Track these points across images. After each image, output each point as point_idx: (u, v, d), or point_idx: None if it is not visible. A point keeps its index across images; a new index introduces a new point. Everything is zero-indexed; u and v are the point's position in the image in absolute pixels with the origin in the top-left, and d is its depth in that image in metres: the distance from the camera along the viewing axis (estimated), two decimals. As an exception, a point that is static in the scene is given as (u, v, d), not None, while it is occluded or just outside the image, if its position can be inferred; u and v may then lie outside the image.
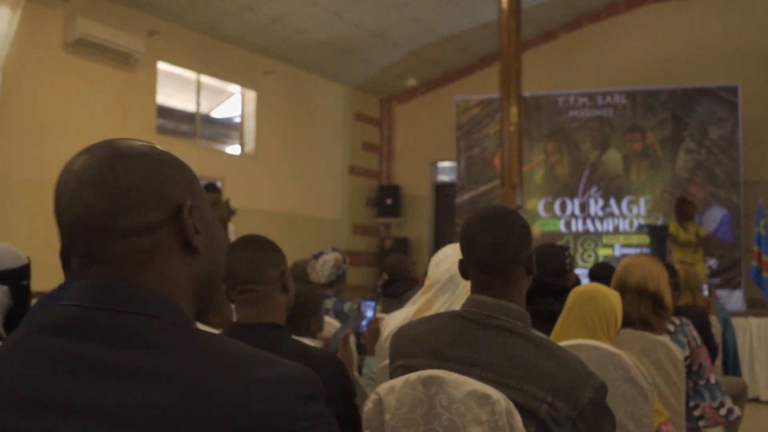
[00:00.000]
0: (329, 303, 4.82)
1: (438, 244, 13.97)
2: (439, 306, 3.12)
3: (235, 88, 12.22)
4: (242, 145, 12.23)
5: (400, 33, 12.39)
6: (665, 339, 3.72)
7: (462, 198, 12.71)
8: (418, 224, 14.54)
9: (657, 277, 3.79)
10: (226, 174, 11.57)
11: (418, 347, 2.26)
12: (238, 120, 12.31)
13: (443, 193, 14.28)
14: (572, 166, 12.24)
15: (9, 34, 8.57)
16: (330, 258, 4.93)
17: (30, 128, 8.99)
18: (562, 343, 2.98)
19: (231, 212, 7.59)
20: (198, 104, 11.55)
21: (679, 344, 3.79)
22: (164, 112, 11.10)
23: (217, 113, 12.45)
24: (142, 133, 10.27)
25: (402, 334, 2.35)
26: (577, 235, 12.13)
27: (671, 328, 3.92)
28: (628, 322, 3.67)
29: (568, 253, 4.32)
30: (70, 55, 9.44)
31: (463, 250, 2.28)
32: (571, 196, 12.19)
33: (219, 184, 10.33)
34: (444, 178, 14.61)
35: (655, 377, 3.61)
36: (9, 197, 8.75)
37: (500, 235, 2.22)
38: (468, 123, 12.79)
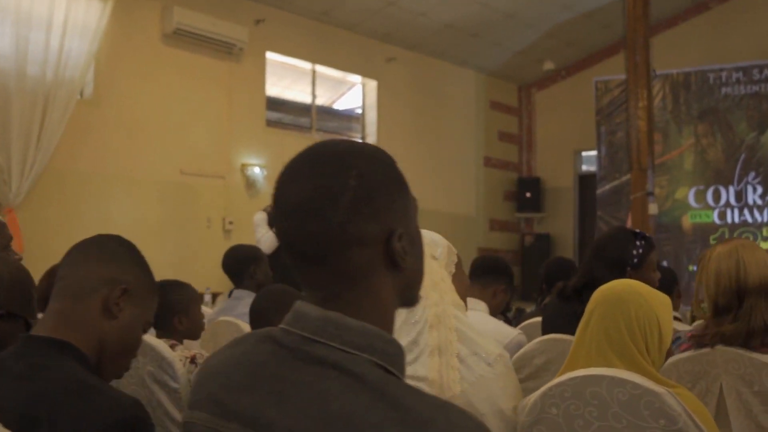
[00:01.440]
0: None
1: (583, 240, 12.90)
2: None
3: (355, 78, 11.63)
4: (363, 137, 11.62)
5: (533, 12, 11.43)
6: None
7: (603, 188, 11.60)
8: (561, 219, 13.50)
9: None
10: (345, 168, 10.97)
11: (203, 392, 1.32)
12: (359, 111, 11.71)
13: (588, 184, 13.15)
14: (726, 150, 10.90)
15: (100, 27, 8.31)
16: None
17: (124, 125, 8.74)
18: (570, 375, 2.12)
19: None
20: (313, 96, 11.03)
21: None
22: (276, 104, 10.64)
23: (338, 105, 11.90)
24: (250, 126, 9.88)
25: (202, 368, 1.39)
26: (733, 227, 10.78)
27: None
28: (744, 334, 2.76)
29: (642, 241, 3.39)
30: (168, 47, 9.14)
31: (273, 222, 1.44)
32: (726, 184, 10.85)
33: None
34: (588, 168, 13.48)
35: (759, 416, 2.65)
36: (104, 195, 8.50)
37: (312, 194, 1.25)
38: (609, 106, 11.66)
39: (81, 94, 8.61)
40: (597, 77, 11.94)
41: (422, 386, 2.15)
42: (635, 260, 3.28)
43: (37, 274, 4.18)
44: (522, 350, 3.28)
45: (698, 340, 2.82)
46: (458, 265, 2.42)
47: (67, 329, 1.76)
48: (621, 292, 2.27)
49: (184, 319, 3.46)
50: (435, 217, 11.58)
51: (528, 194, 13.48)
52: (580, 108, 12.68)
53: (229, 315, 4.35)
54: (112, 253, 1.90)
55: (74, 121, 8.22)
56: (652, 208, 7.84)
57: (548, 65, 12.98)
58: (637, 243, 3.32)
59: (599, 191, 11.63)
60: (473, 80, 13.08)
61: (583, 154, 13.52)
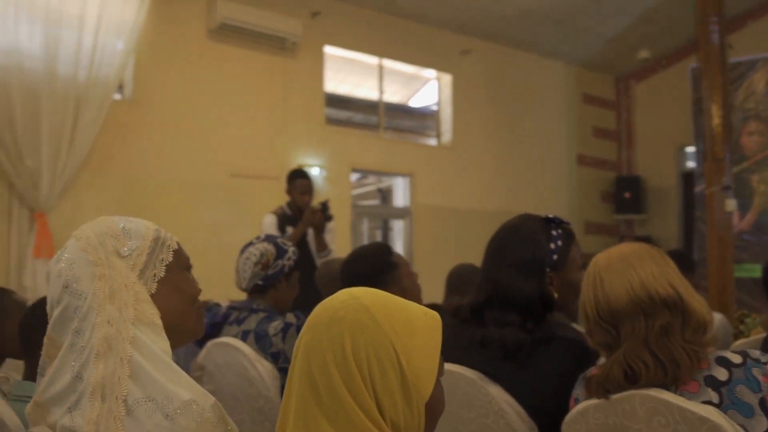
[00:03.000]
0: (252, 321, 3.44)
1: (688, 242, 11.80)
2: None
3: (429, 73, 10.97)
4: (438, 135, 10.95)
5: (620, -6, 10.50)
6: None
7: (702, 186, 10.50)
8: (664, 220, 12.42)
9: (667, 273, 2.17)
10: (416, 168, 10.38)
11: None
12: (434, 108, 11.04)
13: (693, 182, 12.03)
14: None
15: (138, 23, 7.97)
16: (255, 250, 3.53)
17: (167, 125, 8.40)
18: None
19: (328, 218, 6.39)
20: (380, 92, 10.44)
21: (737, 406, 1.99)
22: (338, 101, 10.12)
23: (413, 102, 11.27)
24: (308, 124, 9.39)
25: None
26: None
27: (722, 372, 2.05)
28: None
29: (558, 230, 2.58)
30: (214, 43, 8.76)
31: None
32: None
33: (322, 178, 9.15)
34: (693, 164, 12.34)
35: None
36: (144, 198, 8.16)
37: None
38: (708, 95, 10.55)
39: (121, 94, 8.32)
40: (693, 64, 10.86)
41: None
42: (555, 257, 2.51)
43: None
44: None
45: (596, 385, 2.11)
46: (180, 267, 1.74)
47: None
48: (335, 308, 1.42)
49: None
50: (519, 219, 10.71)
51: (627, 194, 12.46)
52: (682, 100, 11.57)
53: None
54: None
55: (112, 121, 7.92)
56: (730, 204, 6.86)
57: (644, 54, 11.94)
58: (553, 233, 2.55)
59: (697, 189, 10.54)
60: (562, 72, 12.19)
61: (687, 149, 12.38)
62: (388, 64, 10.49)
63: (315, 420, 1.32)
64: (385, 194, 11.02)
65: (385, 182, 10.98)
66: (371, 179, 11.51)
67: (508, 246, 2.51)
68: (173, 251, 1.73)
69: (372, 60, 10.34)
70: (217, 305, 3.59)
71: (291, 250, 3.53)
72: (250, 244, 3.52)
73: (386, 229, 10.72)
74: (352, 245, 9.76)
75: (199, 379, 3.38)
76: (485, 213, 10.65)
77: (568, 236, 2.57)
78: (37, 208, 7.49)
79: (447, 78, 10.89)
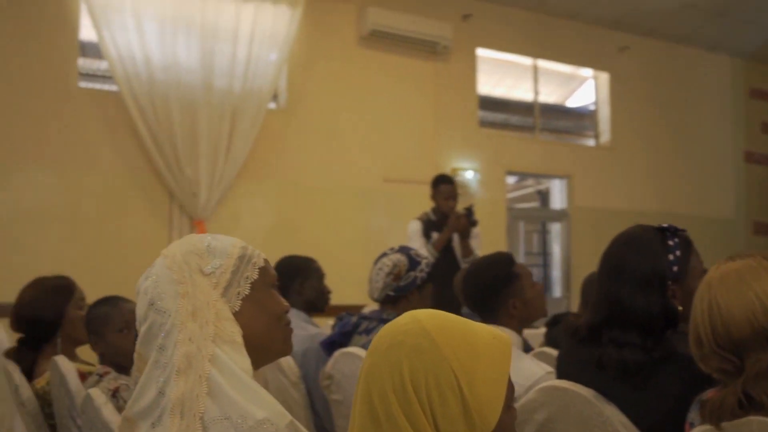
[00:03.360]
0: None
1: None
2: None
3: (586, 72, 10.68)
4: (596, 135, 10.64)
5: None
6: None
7: None
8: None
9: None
10: (573, 170, 10.12)
11: None
12: (592, 108, 10.73)
13: None
14: None
15: (290, 34, 8.12)
16: (388, 261, 3.47)
17: (320, 132, 8.52)
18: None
19: (472, 223, 6.26)
20: (536, 93, 10.23)
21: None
22: (491, 103, 9.98)
23: (570, 102, 11.00)
24: (460, 127, 9.35)
25: None
26: None
27: None
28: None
29: (675, 238, 2.37)
30: (365, 50, 8.82)
31: None
32: None
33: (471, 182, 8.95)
34: None
35: None
36: (298, 205, 8.29)
37: None
38: None
39: (276, 103, 8.48)
40: None
41: None
42: (675, 268, 2.31)
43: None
44: (521, 402, 2.43)
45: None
46: (266, 285, 1.71)
47: None
48: (396, 332, 1.37)
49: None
50: (684, 221, 10.20)
51: (801, 192, 11.72)
52: None
53: None
54: None
55: (267, 130, 8.10)
56: None
57: (817, 44, 11.22)
58: (669, 243, 2.34)
59: None
60: (726, 66, 11.60)
61: None
62: (543, 64, 10.28)
63: None
64: (545, 197, 10.79)
65: (545, 184, 10.74)
66: (530, 181, 11.30)
67: (625, 260, 2.33)
68: (259, 269, 1.69)
69: (526, 61, 10.15)
70: (349, 315, 3.54)
71: (424, 262, 3.47)
72: (384, 254, 3.48)
73: (544, 233, 10.49)
74: (507, 249, 9.60)
75: (327, 388, 3.38)
76: (646, 215, 10.24)
77: (686, 244, 2.36)
78: (196, 216, 7.73)
79: (604, 76, 10.57)
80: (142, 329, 1.60)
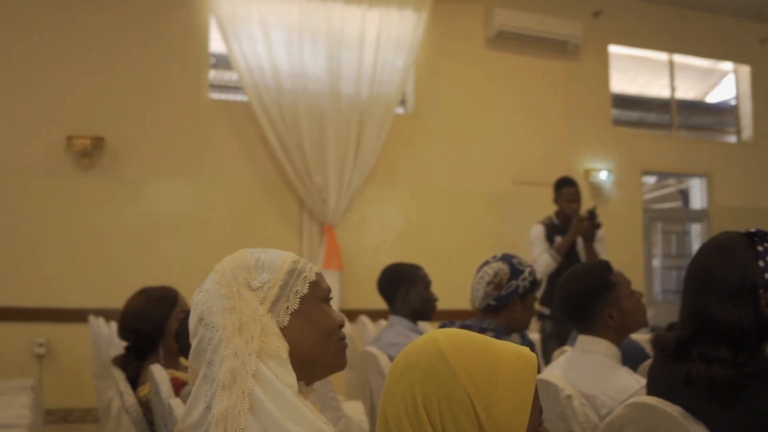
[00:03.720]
0: None
1: None
2: None
3: (726, 66, 10.23)
4: (738, 131, 10.17)
5: None
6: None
7: None
8: None
9: None
10: (714, 168, 9.71)
11: None
12: (733, 103, 10.27)
13: None
14: None
15: (416, 39, 8.12)
16: (489, 269, 3.36)
17: (448, 135, 8.50)
18: None
19: (596, 226, 6.05)
20: (672, 89, 9.87)
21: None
22: (624, 101, 9.69)
23: (710, 98, 10.56)
24: (592, 127, 9.14)
25: None
26: None
27: None
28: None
29: (766, 243, 2.16)
30: (492, 51, 8.73)
31: None
32: None
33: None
34: None
35: None
36: (428, 209, 8.29)
37: None
38: None
39: (403, 108, 8.48)
40: None
41: None
42: (767, 275, 2.11)
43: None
44: (609, 418, 2.30)
45: None
46: (317, 300, 1.67)
47: None
48: (411, 353, 1.33)
49: None
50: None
51: None
52: None
53: (376, 344, 3.82)
54: None
55: (394, 135, 8.11)
56: None
57: None
58: (759, 249, 2.13)
59: None
60: None
61: None
62: (680, 59, 9.90)
63: None
64: (687, 196, 10.38)
65: (686, 183, 10.34)
66: (671, 180, 10.90)
67: (712, 270, 2.14)
68: (309, 283, 1.65)
69: (661, 56, 9.81)
70: (451, 323, 3.46)
71: (528, 270, 3.33)
72: (486, 263, 3.36)
73: (683, 234, 10.10)
74: (644, 252, 9.30)
75: None
76: (794, 214, 9.73)
77: None
78: (326, 222, 7.80)
79: (745, 70, 10.10)
80: (193, 343, 1.60)
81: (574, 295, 2.85)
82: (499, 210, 8.55)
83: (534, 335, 5.47)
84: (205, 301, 1.62)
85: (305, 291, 1.64)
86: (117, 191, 7.44)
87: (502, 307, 3.29)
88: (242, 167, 7.78)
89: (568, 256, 5.86)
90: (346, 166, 7.88)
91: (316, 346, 1.63)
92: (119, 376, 3.16)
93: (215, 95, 7.97)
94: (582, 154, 9.03)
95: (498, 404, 1.23)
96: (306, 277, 1.65)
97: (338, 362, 1.69)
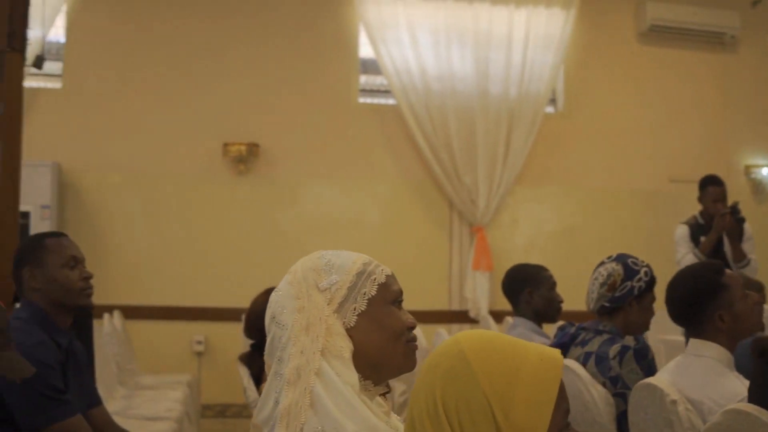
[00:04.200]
0: (596, 343, 3.20)
1: None
2: None
3: None
4: None
5: None
6: None
7: None
8: None
9: None
10: None
11: None
12: None
13: None
14: None
15: (564, 37, 8.05)
16: (603, 270, 3.27)
17: (599, 133, 8.36)
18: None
19: (739, 221, 5.77)
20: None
21: None
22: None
23: None
24: (754, 121, 8.88)
25: None
26: None
27: None
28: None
29: None
30: (644, 46, 8.52)
31: None
32: None
33: None
34: None
35: None
36: (580, 208, 8.19)
37: None
38: None
39: (553, 106, 8.38)
40: None
41: None
42: None
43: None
44: (707, 425, 2.21)
45: None
46: (385, 302, 1.70)
47: None
48: (436, 353, 1.33)
49: None
50: None
51: None
52: None
53: None
54: None
55: (544, 134, 8.03)
56: None
57: None
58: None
59: None
60: None
61: None
62: None
63: None
64: None
65: None
66: None
67: None
68: (378, 285, 1.68)
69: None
70: (571, 325, 3.39)
71: (643, 271, 3.23)
72: (601, 263, 3.29)
73: None
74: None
75: None
76: None
77: None
78: (475, 223, 7.79)
79: None
80: (267, 341, 1.66)
81: (683, 298, 2.75)
82: (655, 209, 8.30)
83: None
84: (277, 300, 1.68)
85: (373, 293, 1.67)
86: (271, 195, 7.69)
87: (618, 308, 3.22)
88: (392, 169, 7.88)
89: (713, 256, 5.63)
90: (495, 167, 7.85)
91: (382, 348, 1.66)
92: (244, 372, 3.27)
93: (365, 99, 8.12)
94: (742, 150, 8.66)
95: (517, 406, 1.23)
96: (375, 279, 1.68)
97: (406, 364, 1.70)
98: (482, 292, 7.64)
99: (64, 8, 7.59)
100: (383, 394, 1.69)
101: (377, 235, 7.72)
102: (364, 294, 1.67)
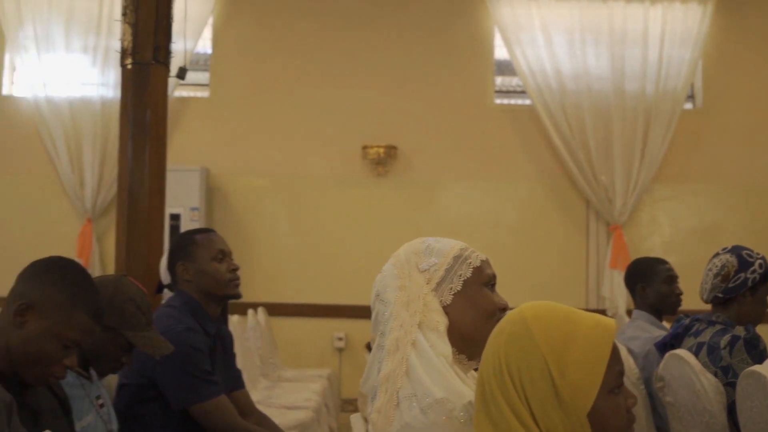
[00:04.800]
0: (708, 333, 3.22)
1: None
2: None
3: None
4: None
5: None
6: None
7: None
8: None
9: None
10: None
11: None
12: None
13: None
14: None
15: (702, 32, 7.91)
16: (717, 262, 3.28)
17: (739, 130, 8.09)
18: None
19: None
20: None
21: None
22: None
23: None
24: None
25: None
26: None
27: None
28: None
29: None
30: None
31: None
32: None
33: None
34: None
35: None
36: (721, 208, 8.03)
37: None
38: None
39: (692, 103, 8.25)
40: None
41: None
42: None
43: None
44: None
45: None
46: (479, 284, 1.87)
47: None
48: (503, 320, 1.51)
49: None
50: None
51: None
52: None
53: (619, 338, 3.81)
54: (33, 272, 2.04)
55: (683, 131, 7.92)
56: None
57: None
58: None
59: None
60: None
61: None
62: None
63: (482, 424, 1.44)
64: None
65: None
66: None
67: None
68: (473, 268, 1.85)
69: None
70: (686, 316, 3.39)
71: (758, 263, 3.21)
72: (716, 255, 3.31)
73: None
74: None
75: (660, 390, 3.33)
76: None
77: None
78: (612, 222, 7.75)
79: None
80: (372, 317, 1.87)
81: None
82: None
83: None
84: (382, 280, 1.87)
85: (468, 275, 1.85)
86: (409, 197, 7.86)
87: (731, 300, 3.24)
88: (528, 170, 7.93)
89: None
90: (633, 165, 7.78)
91: (475, 325, 1.83)
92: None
93: (500, 100, 8.20)
94: None
95: (572, 365, 1.38)
96: (470, 263, 1.86)
97: None
98: (620, 290, 7.57)
99: (210, 21, 7.99)
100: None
101: (514, 236, 7.78)
102: (460, 275, 1.84)
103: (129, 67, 4.60)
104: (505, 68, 8.19)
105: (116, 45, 4.63)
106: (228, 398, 3.01)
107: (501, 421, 1.40)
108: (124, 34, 4.61)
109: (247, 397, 3.32)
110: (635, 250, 7.69)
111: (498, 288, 1.93)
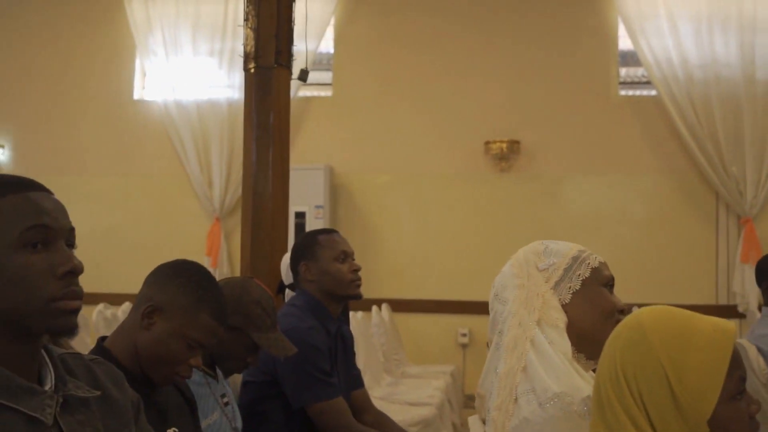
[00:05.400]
0: None
1: None
2: None
3: None
4: None
5: None
6: None
7: None
8: None
9: None
10: None
11: None
12: None
13: None
14: None
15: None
16: None
17: None
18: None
19: None
20: None
21: None
22: None
23: None
24: None
25: None
26: None
27: None
28: None
29: None
30: None
31: None
32: None
33: None
34: None
35: None
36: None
37: None
38: None
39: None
40: None
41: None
42: None
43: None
44: None
45: None
46: (597, 284, 1.88)
47: (115, 336, 2.08)
48: (620, 325, 1.52)
49: None
50: None
51: None
52: None
53: (749, 336, 3.77)
54: (159, 276, 2.10)
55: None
56: None
57: None
58: None
59: None
60: None
61: None
62: None
63: (598, 429, 1.44)
64: None
65: None
66: None
67: None
68: (592, 269, 1.87)
69: None
70: None
71: None
72: None
73: None
74: None
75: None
76: None
77: None
78: (743, 214, 7.53)
79: None
80: (490, 317, 1.90)
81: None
82: None
83: None
84: (500, 280, 1.91)
85: (587, 275, 1.86)
86: (533, 191, 7.81)
87: None
88: (654, 162, 7.77)
89: None
90: (764, 155, 7.54)
91: (594, 324, 1.83)
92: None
93: (625, 92, 8.07)
94: None
95: (690, 371, 1.35)
96: (589, 263, 1.88)
97: None
98: (751, 286, 7.34)
99: (332, 21, 8.10)
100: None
101: (641, 230, 7.64)
102: (579, 275, 1.86)
103: (252, 71, 4.69)
104: (630, 59, 8.04)
105: (241, 48, 4.73)
106: (347, 398, 3.06)
107: (617, 427, 1.40)
108: (246, 38, 4.70)
109: (365, 395, 3.36)
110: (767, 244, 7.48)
111: (625, 283, 1.97)
